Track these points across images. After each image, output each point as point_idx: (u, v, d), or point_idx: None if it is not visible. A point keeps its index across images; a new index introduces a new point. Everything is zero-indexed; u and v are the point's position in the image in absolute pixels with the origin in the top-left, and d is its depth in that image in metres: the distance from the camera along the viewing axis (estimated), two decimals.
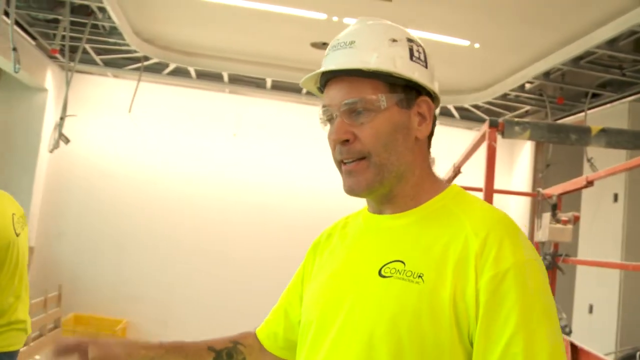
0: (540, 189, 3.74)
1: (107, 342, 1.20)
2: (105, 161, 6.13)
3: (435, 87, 1.09)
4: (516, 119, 3.37)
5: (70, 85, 5.16)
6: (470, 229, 0.97)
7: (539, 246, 3.76)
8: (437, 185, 1.09)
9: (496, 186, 4.19)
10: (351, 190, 1.05)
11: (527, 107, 5.65)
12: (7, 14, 3.92)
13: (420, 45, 1.06)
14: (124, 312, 5.90)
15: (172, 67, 5.72)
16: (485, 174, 2.43)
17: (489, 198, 2.42)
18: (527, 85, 5.04)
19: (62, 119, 5.06)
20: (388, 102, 1.02)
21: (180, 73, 5.93)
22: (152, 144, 6.21)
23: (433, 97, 1.09)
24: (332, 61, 1.05)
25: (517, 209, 5.88)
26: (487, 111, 6.04)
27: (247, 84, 6.05)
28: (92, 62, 5.68)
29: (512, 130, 2.55)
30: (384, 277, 0.99)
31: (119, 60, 5.78)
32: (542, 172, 5.30)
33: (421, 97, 1.06)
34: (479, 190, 2.80)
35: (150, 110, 6.11)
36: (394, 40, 1.03)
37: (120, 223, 6.08)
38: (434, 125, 1.10)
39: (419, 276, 0.96)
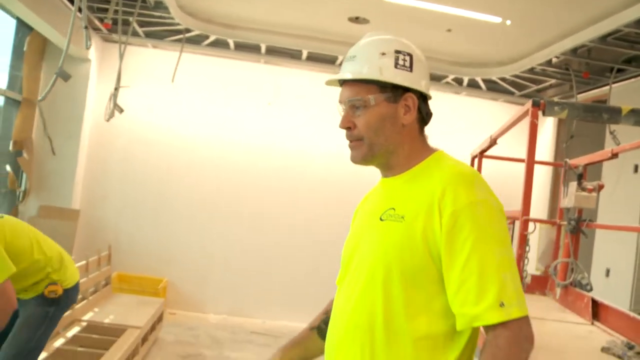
0: (567, 160, 3.99)
1: None
2: (146, 129, 6.43)
3: (420, 85, 1.43)
4: (556, 99, 3.60)
5: (112, 56, 5.39)
6: (437, 181, 1.33)
7: (564, 212, 4.04)
8: (426, 153, 1.45)
9: (519, 155, 4.46)
10: (353, 160, 1.46)
11: (552, 80, 5.86)
12: None
13: (407, 54, 1.41)
14: (164, 272, 6.26)
15: (211, 38, 5.97)
16: (528, 147, 2.72)
17: (530, 168, 2.70)
18: (554, 60, 5.24)
19: (116, 89, 5.34)
20: (377, 100, 1.40)
21: (219, 44, 6.18)
22: (190, 112, 6.49)
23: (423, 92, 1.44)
24: (342, 71, 1.47)
25: (538, 177, 6.14)
26: (512, 83, 6.27)
27: (283, 55, 6.29)
28: (135, 34, 5.93)
29: (552, 109, 2.82)
30: (382, 220, 1.39)
31: (160, 32, 6.04)
32: (566, 143, 5.55)
33: (407, 94, 1.41)
34: (520, 161, 3.07)
35: (188, 80, 6.37)
36: (383, 54, 1.40)
37: (161, 188, 6.41)
38: (427, 112, 1.47)
39: (402, 217, 1.35)
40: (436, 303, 1.31)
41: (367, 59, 1.41)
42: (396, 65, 1.39)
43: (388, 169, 1.47)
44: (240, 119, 6.53)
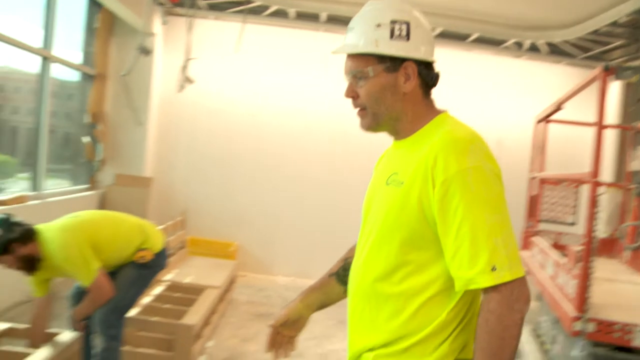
0: (636, 123, 3.99)
1: (288, 309, 1.72)
2: (210, 99, 6.66)
3: (420, 52, 1.45)
4: (627, 64, 3.56)
5: (176, 29, 5.56)
6: (431, 147, 1.36)
7: (633, 175, 4.06)
8: (430, 117, 1.48)
9: (582, 119, 4.45)
10: (361, 128, 1.53)
11: (618, 42, 5.75)
12: None
13: (404, 23, 1.43)
14: (234, 236, 6.55)
15: (272, 9, 6.11)
16: (598, 112, 2.75)
17: (600, 133, 2.75)
18: (620, 20, 5.14)
19: (186, 62, 5.56)
20: (376, 71, 1.44)
21: (279, 14, 6.31)
22: (253, 81, 6.67)
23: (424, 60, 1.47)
24: (343, 42, 1.51)
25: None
26: (575, 45, 6.17)
27: (342, 23, 6.36)
28: (198, 7, 6.12)
29: (623, 73, 2.85)
30: (387, 184, 1.46)
31: (222, 4, 6.21)
32: (633, 106, 5.47)
33: (406, 62, 1.44)
34: (587, 125, 3.09)
35: (251, 50, 6.52)
36: (378, 25, 1.43)
37: (227, 155, 6.66)
38: (431, 76, 1.49)
39: (402, 183, 1.41)
40: (433, 264, 1.39)
41: (363, 32, 1.45)
42: (392, 36, 1.42)
43: (396, 134, 1.53)
44: (301, 86, 6.66)
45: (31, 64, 5.02)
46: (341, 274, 1.74)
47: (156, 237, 3.30)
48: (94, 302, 2.97)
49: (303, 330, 1.76)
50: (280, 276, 6.65)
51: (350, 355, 1.53)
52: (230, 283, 5.35)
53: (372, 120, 1.49)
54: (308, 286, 1.77)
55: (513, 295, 1.28)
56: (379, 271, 1.44)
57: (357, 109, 1.51)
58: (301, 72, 6.67)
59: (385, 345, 1.43)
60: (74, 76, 6.11)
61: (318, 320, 4.98)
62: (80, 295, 3.11)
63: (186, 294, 4.40)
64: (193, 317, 3.79)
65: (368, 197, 1.58)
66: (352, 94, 1.49)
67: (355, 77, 1.47)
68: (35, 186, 5.01)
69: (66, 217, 3.07)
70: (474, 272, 1.28)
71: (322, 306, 1.76)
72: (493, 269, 1.27)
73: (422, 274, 1.40)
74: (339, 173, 6.64)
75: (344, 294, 1.71)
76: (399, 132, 1.51)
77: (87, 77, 6.05)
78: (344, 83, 1.51)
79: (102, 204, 5.94)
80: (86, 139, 6.01)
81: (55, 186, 5.55)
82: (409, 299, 1.40)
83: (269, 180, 6.64)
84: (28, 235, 2.86)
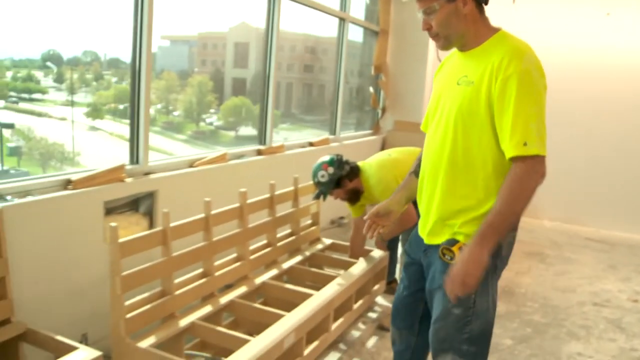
0: None
1: (380, 205, 2.28)
2: None
3: None
4: None
5: None
6: (497, 55, 1.79)
7: None
8: (490, 33, 1.88)
9: None
10: (437, 48, 1.95)
11: None
12: None
13: None
14: None
15: None
16: None
17: None
18: None
19: None
20: (440, 4, 1.82)
21: None
22: (532, 29, 6.72)
23: None
24: None
25: None
26: None
27: None
28: None
29: None
30: (458, 85, 1.89)
31: None
32: None
33: None
34: None
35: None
36: None
37: None
38: None
39: (472, 82, 1.84)
40: (490, 145, 1.82)
41: None
42: None
43: (462, 47, 1.92)
44: (576, 32, 6.52)
45: (329, 28, 5.89)
46: (418, 170, 2.19)
47: None
48: (402, 226, 3.54)
49: (392, 221, 2.34)
50: (546, 220, 6.80)
51: (432, 221, 1.99)
52: None
53: (445, 41, 1.90)
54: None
55: (535, 167, 1.73)
56: (448, 152, 1.91)
57: (433, 38, 1.91)
58: (577, 15, 6.50)
59: (466, 210, 1.89)
60: (359, 35, 6.91)
61: (588, 264, 5.14)
62: None
63: None
64: None
65: (436, 97, 2.03)
66: (427, 26, 1.88)
67: (426, 13, 1.85)
68: (334, 131, 5.96)
69: (381, 155, 3.72)
70: (512, 144, 1.73)
71: (408, 200, 2.30)
72: (525, 144, 1.72)
73: (481, 153, 1.85)
74: (608, 120, 6.43)
75: None
76: (465, 45, 1.91)
77: (371, 34, 6.80)
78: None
79: (384, 148, 6.72)
80: (371, 90, 6.82)
81: (346, 132, 6.46)
82: (470, 173, 1.87)
83: None
84: (354, 172, 3.57)
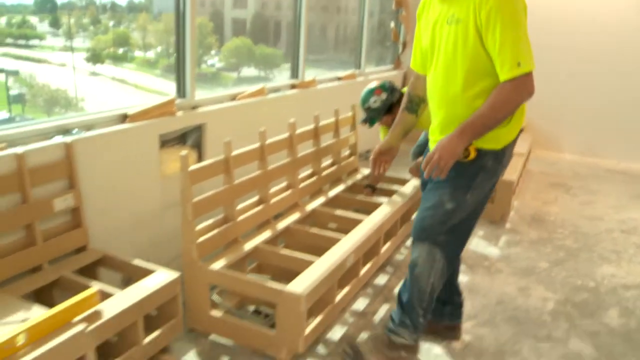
0: None
1: (380, 144, 2.63)
2: None
3: None
4: None
5: None
6: None
7: None
8: None
9: None
10: None
11: None
12: None
13: None
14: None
15: None
16: None
17: None
18: None
19: None
20: None
21: None
22: None
23: None
24: None
25: None
26: None
27: None
28: None
29: None
30: (448, 24, 2.08)
31: None
32: None
33: None
34: None
35: None
36: None
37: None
38: None
39: (460, 20, 2.03)
40: (488, 71, 2.02)
41: None
42: None
43: None
44: None
45: None
46: (409, 106, 2.53)
47: None
48: None
49: (395, 155, 2.66)
50: (566, 153, 6.88)
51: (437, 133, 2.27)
52: (528, 153, 5.81)
53: None
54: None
55: (525, 84, 1.95)
56: (450, 84, 2.13)
57: None
58: None
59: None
60: None
61: (612, 195, 5.24)
62: (420, 150, 3.87)
63: None
64: (511, 175, 4.39)
65: (430, 37, 2.19)
66: None
67: None
68: (359, 66, 5.98)
69: None
70: (506, 69, 1.94)
71: (405, 134, 2.59)
72: (518, 64, 1.92)
73: (476, 82, 2.06)
74: (628, 52, 6.39)
75: (415, 119, 2.56)
76: None
77: None
78: None
79: (404, 83, 6.73)
80: (392, 24, 6.77)
81: (369, 66, 6.47)
82: (481, 100, 2.06)
83: (555, 58, 6.66)
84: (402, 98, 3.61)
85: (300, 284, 2.33)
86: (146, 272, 2.40)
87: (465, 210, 2.22)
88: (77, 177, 2.50)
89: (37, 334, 1.81)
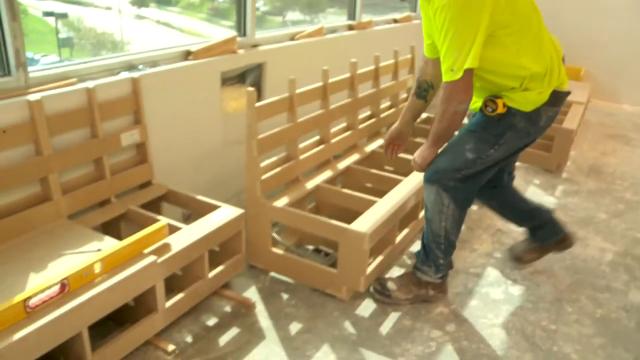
0: None
1: (391, 130, 2.59)
2: None
3: None
4: None
5: None
6: None
7: None
8: None
9: None
10: None
11: None
12: None
13: None
14: (583, 61, 6.55)
15: None
16: None
17: None
18: None
19: None
20: None
21: None
22: None
23: None
24: None
25: None
26: None
27: None
28: None
29: None
30: (427, 19, 2.19)
31: None
32: None
33: None
34: None
35: None
36: None
37: None
38: None
39: (429, 17, 2.08)
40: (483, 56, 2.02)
41: None
42: None
43: None
44: None
45: None
46: (417, 92, 2.49)
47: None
48: None
49: (407, 139, 2.61)
50: (626, 105, 6.63)
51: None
52: (586, 102, 5.62)
53: None
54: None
55: (455, 92, 2.00)
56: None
57: None
58: None
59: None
60: None
61: None
62: None
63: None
64: (571, 123, 4.26)
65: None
66: None
67: None
68: (414, 9, 5.83)
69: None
70: (443, 71, 2.00)
71: (414, 119, 2.56)
72: (451, 70, 1.96)
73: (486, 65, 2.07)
74: None
75: (425, 105, 2.51)
76: None
77: None
78: None
79: None
80: None
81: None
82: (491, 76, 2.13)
83: (620, 9, 6.35)
84: None
85: (364, 223, 2.34)
86: (210, 208, 2.44)
87: (484, 164, 2.22)
88: (143, 112, 2.52)
89: (112, 263, 1.88)
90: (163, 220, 2.18)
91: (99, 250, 2.00)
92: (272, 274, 2.64)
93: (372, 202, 2.58)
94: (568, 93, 2.26)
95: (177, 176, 2.81)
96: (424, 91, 2.49)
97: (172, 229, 2.22)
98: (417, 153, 2.27)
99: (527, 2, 2.10)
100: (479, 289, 2.63)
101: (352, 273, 2.37)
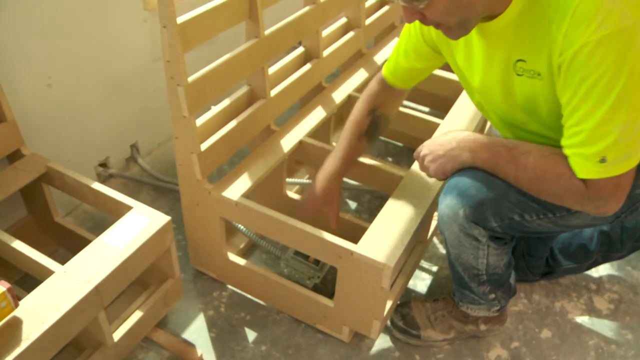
0: None
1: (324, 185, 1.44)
2: None
3: None
4: None
5: None
6: (557, 17, 0.98)
7: None
8: None
9: None
10: (451, 39, 1.13)
11: None
12: None
13: None
14: None
15: None
16: None
17: None
18: None
19: None
20: None
21: None
22: None
23: None
24: None
25: None
26: None
27: None
28: None
29: None
30: (518, 76, 1.10)
31: None
32: None
33: None
34: None
35: None
36: None
37: None
38: None
39: (538, 74, 1.06)
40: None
41: None
42: None
43: (486, 20, 1.08)
44: None
45: None
46: (371, 131, 1.50)
47: None
48: None
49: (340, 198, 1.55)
50: None
51: None
52: None
53: (461, 29, 1.05)
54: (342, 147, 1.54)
55: (599, 199, 1.03)
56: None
57: (436, 28, 1.08)
58: None
59: None
60: None
61: None
62: None
63: None
64: None
65: (479, 80, 1.21)
66: (416, 17, 1.03)
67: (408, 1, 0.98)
68: None
69: None
70: (585, 158, 1.02)
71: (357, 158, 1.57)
72: (602, 160, 0.99)
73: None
74: None
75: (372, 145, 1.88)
76: (490, 17, 1.07)
77: None
78: None
79: None
80: None
81: None
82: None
83: None
84: None
85: (381, 243, 1.30)
86: (120, 210, 1.39)
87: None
88: None
89: None
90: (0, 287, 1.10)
91: None
92: (231, 287, 1.66)
93: (395, 177, 1.54)
94: None
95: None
96: (380, 130, 1.51)
97: (31, 283, 1.18)
98: (430, 147, 1.28)
99: None
100: (553, 307, 1.68)
101: (359, 313, 1.40)
